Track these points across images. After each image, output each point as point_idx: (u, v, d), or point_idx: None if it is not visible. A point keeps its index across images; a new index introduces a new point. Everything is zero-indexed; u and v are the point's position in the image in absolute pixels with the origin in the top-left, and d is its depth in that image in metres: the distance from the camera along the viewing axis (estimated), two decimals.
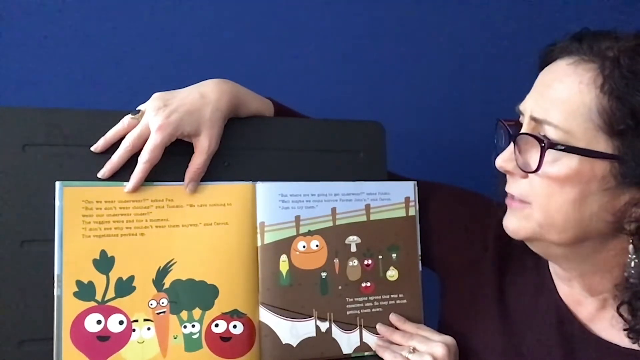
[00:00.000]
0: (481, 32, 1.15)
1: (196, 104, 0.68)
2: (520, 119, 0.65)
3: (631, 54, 0.58)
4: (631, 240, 0.61)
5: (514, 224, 0.65)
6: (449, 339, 0.70)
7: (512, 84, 1.11)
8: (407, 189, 0.78)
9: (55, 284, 0.62)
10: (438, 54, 1.13)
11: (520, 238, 0.66)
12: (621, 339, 0.64)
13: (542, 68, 0.65)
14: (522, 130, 0.62)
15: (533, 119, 0.61)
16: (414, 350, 0.69)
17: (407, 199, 0.78)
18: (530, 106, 0.62)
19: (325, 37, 1.08)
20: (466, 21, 1.14)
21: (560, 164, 0.59)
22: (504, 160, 0.64)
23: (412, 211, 0.78)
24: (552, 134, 0.59)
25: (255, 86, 0.76)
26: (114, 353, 0.63)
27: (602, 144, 0.58)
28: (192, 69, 0.98)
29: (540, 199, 0.61)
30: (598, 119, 0.57)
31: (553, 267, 0.71)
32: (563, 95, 0.59)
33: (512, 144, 0.63)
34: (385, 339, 0.74)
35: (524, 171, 0.62)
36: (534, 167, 0.60)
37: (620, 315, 0.63)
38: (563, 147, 0.58)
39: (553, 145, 0.59)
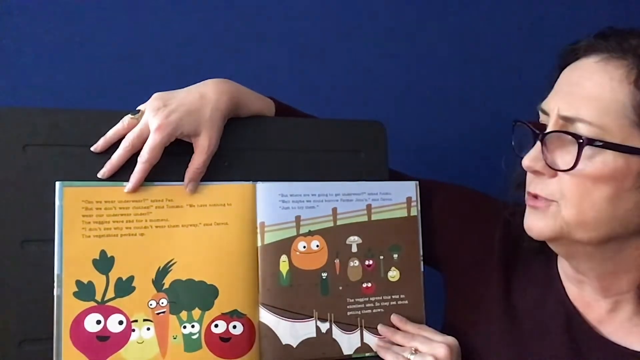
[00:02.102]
0: (482, 32, 1.14)
1: (196, 103, 0.68)
2: (542, 118, 0.64)
3: None
4: None
5: (539, 224, 0.63)
6: (451, 339, 0.70)
7: (514, 84, 1.11)
8: (408, 189, 0.78)
9: (55, 284, 0.62)
10: (439, 54, 1.12)
11: (544, 239, 0.64)
12: (631, 342, 0.64)
13: (562, 67, 0.64)
14: (549, 129, 0.61)
15: (562, 117, 0.60)
16: (416, 351, 0.69)
17: (408, 199, 0.77)
18: (557, 105, 0.61)
19: (326, 37, 1.07)
20: (467, 21, 1.14)
21: (595, 161, 0.58)
22: (532, 159, 0.62)
23: (414, 211, 0.78)
24: (585, 131, 0.58)
25: (256, 86, 0.76)
26: (113, 353, 0.63)
27: (638, 140, 0.57)
28: (192, 69, 0.98)
29: (572, 198, 0.60)
30: (633, 114, 0.57)
31: (562, 268, 0.71)
32: (594, 92, 0.58)
33: (539, 143, 0.61)
34: (387, 339, 0.73)
35: (554, 170, 0.60)
36: (566, 165, 0.59)
37: None
38: (602, 144, 0.57)
39: (591, 142, 0.58)
